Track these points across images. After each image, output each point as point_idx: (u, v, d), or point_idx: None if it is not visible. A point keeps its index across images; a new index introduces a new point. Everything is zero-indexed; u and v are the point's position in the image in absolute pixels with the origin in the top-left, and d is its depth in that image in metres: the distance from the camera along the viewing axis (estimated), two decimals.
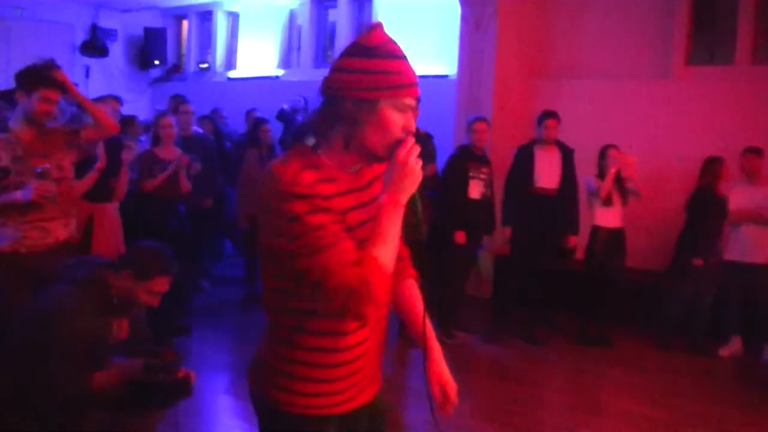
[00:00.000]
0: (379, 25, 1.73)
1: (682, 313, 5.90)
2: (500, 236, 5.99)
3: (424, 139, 5.59)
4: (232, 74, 10.62)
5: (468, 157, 5.77)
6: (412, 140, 1.71)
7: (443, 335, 5.79)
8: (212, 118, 7.95)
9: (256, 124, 6.72)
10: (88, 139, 3.79)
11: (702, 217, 5.80)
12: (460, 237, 5.66)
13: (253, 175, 6.30)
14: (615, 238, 5.88)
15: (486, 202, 5.83)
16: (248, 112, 7.77)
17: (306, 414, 1.81)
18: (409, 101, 1.71)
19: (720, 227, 5.84)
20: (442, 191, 5.78)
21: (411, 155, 1.69)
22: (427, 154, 5.64)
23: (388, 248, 1.68)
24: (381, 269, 1.65)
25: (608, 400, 4.83)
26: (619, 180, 5.77)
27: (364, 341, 1.85)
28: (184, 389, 2.94)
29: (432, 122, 5.96)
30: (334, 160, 1.74)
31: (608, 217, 5.85)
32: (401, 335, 5.69)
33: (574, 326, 6.12)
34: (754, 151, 5.76)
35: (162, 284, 2.94)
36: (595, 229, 5.90)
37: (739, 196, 5.72)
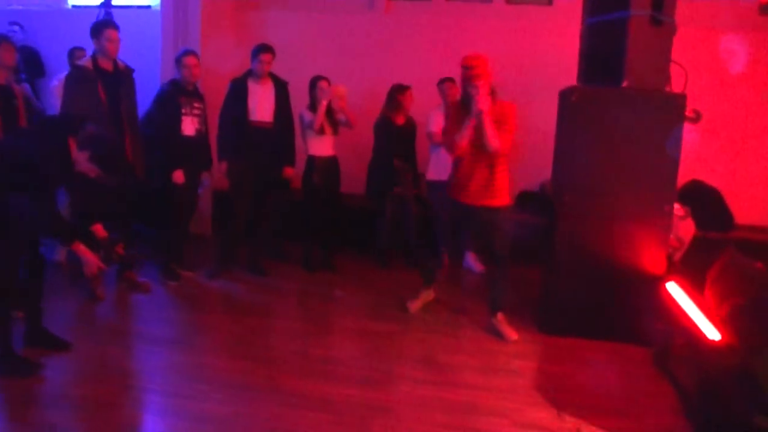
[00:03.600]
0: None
1: (389, 233, 6.40)
2: (217, 171, 5.92)
3: (124, 74, 5.27)
4: None
5: (179, 93, 5.56)
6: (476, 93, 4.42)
7: (168, 278, 5.67)
8: None
9: None
10: None
11: (384, 143, 6.26)
12: (179, 176, 5.51)
13: None
14: (329, 166, 6.11)
15: (201, 138, 5.70)
16: None
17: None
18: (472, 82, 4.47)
19: (408, 151, 6.35)
20: (156, 130, 5.53)
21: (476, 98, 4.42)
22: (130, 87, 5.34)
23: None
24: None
25: (336, 321, 5.10)
26: (329, 111, 5.97)
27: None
28: None
29: (136, 56, 5.66)
30: None
31: (321, 147, 6.04)
32: (120, 278, 5.50)
33: (299, 254, 6.32)
34: (449, 80, 6.26)
35: None
36: (311, 159, 6.07)
37: (438, 121, 6.21)
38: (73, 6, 8.04)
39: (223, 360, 4.25)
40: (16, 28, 7.45)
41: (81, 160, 3.81)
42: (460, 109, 4.64)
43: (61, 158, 3.77)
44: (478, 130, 4.48)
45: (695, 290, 4.26)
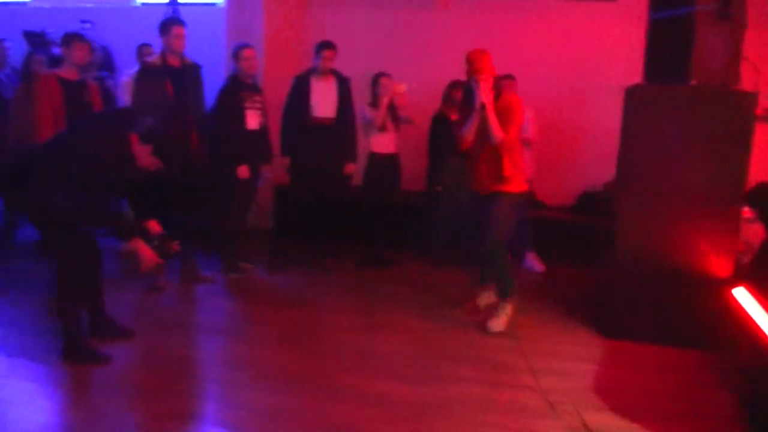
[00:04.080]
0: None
1: (445, 231, 6.35)
2: (279, 166, 5.98)
3: (191, 70, 5.38)
4: None
5: (240, 87, 5.63)
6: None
7: (229, 269, 5.76)
8: None
9: (29, 57, 6.01)
10: None
11: (438, 141, 6.21)
12: (244, 172, 5.56)
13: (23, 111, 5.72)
14: (390, 163, 6.11)
15: (264, 131, 5.77)
16: None
17: None
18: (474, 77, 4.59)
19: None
20: (218, 124, 5.59)
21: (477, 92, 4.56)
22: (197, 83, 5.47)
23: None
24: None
25: (390, 317, 5.08)
26: (392, 108, 5.96)
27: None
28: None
29: (201, 52, 5.75)
30: None
31: (383, 144, 6.04)
32: (183, 271, 5.61)
33: (356, 250, 6.35)
34: (509, 77, 6.19)
35: None
36: (372, 156, 6.08)
37: None
38: (142, 3, 8.25)
39: (278, 352, 4.30)
40: (88, 25, 7.66)
41: (143, 154, 3.89)
42: (466, 104, 4.78)
43: (117, 153, 3.83)
44: (482, 123, 4.61)
45: (765, 296, 4.10)
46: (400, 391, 3.78)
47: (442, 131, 6.16)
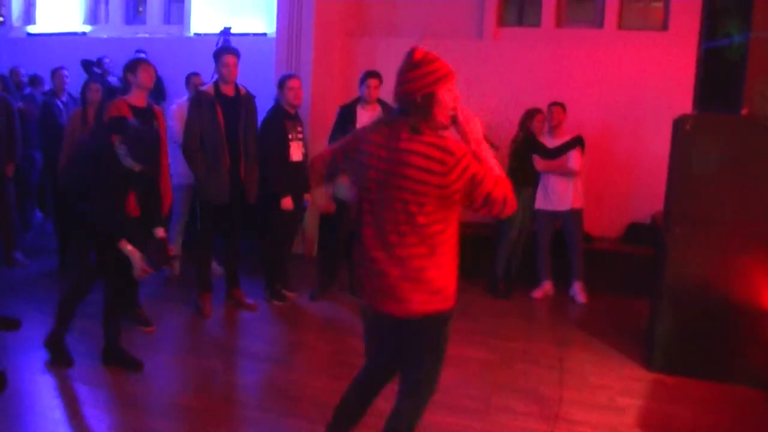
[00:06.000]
0: (415, 48, 2.70)
1: (506, 260, 6.31)
2: (324, 195, 5.99)
3: (244, 100, 5.46)
4: (31, 29, 9.78)
5: (284, 117, 5.66)
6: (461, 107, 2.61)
7: (273, 298, 5.78)
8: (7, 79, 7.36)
9: (86, 84, 6.19)
10: None
11: (527, 163, 6.16)
12: (287, 203, 5.57)
13: (77, 136, 5.94)
14: None
15: (305, 161, 5.79)
16: (54, 71, 7.18)
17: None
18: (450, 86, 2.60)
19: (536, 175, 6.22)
20: (263, 154, 5.58)
21: (465, 115, 2.63)
22: (250, 113, 5.53)
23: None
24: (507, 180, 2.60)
25: None
26: None
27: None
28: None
29: (252, 81, 5.83)
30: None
31: None
32: (228, 297, 5.67)
33: None
34: (559, 105, 6.17)
35: None
36: None
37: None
38: (195, 34, 8.45)
39: (320, 379, 4.29)
40: (142, 55, 7.88)
41: (121, 155, 3.95)
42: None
43: (107, 156, 3.93)
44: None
45: None
46: (445, 423, 3.74)
47: (529, 152, 6.14)
